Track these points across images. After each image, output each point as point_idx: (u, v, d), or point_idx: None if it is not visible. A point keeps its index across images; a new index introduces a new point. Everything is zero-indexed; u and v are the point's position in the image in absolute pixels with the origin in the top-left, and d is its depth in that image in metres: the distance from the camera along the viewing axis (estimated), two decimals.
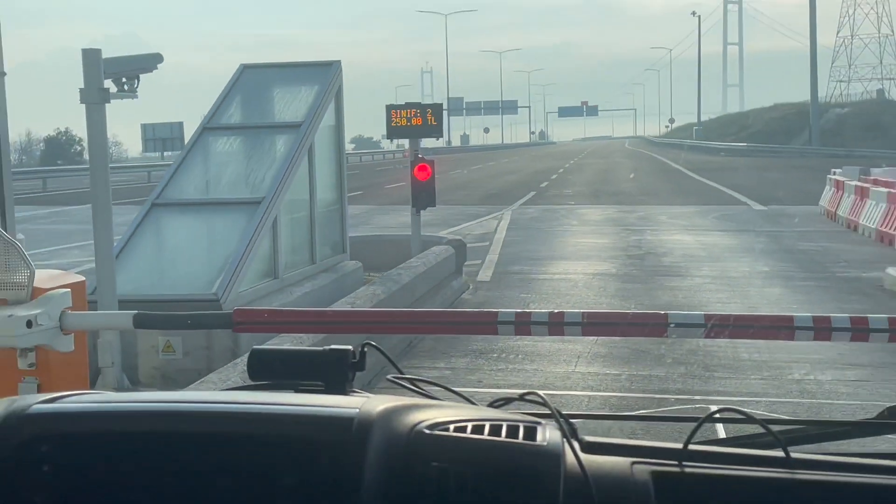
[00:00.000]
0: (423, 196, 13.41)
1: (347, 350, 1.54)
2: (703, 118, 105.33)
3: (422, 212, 13.58)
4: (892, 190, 19.23)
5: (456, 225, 21.54)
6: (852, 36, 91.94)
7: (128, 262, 9.03)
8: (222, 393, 1.40)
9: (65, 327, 3.17)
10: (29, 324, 3.05)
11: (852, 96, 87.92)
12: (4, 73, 6.22)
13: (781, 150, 67.05)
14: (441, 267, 12.42)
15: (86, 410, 1.31)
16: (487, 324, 3.04)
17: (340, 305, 8.88)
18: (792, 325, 2.96)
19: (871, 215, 19.32)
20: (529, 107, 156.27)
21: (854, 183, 22.00)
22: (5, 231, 3.28)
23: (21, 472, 1.21)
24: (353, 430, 1.20)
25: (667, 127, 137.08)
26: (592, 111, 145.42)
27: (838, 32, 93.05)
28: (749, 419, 1.43)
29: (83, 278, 4.43)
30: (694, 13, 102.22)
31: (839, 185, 23.01)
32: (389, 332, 5.46)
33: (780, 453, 1.32)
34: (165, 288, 8.78)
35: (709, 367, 8.64)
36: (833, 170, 26.18)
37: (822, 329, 2.93)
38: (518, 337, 8.88)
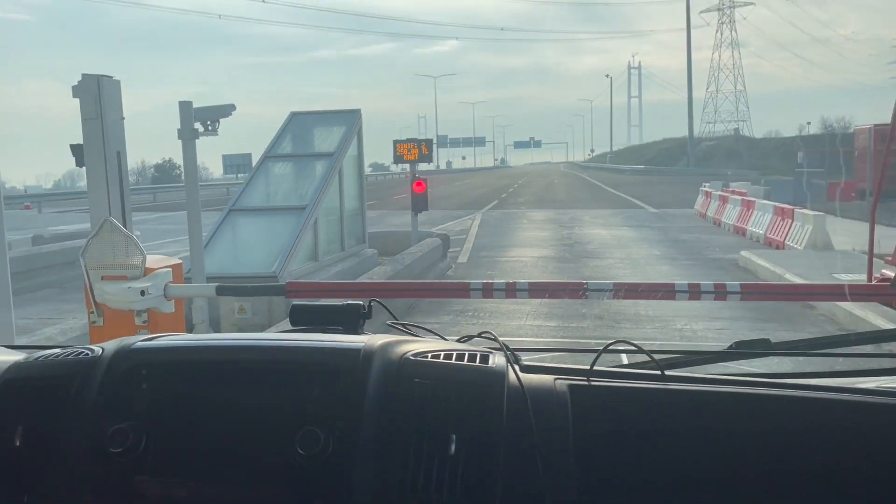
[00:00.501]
0: (419, 203, 13.41)
1: (359, 304, 1.54)
2: (614, 148, 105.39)
3: (418, 214, 13.56)
4: (744, 197, 19.32)
5: (442, 223, 21.47)
6: (717, 91, 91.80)
7: (213, 251, 9.00)
8: (270, 333, 1.41)
9: (168, 295, 3.16)
10: (142, 293, 3.04)
11: (717, 133, 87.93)
12: (123, 118, 6.16)
13: (668, 170, 66.91)
14: (432, 253, 12.41)
15: (173, 345, 1.31)
16: (463, 290, 3.03)
17: (361, 279, 8.87)
18: (673, 290, 2.96)
19: (731, 215, 19.38)
20: (493, 141, 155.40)
21: (719, 192, 22.06)
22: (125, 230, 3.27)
23: (127, 390, 1.22)
24: (359, 357, 1.21)
25: (589, 155, 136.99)
26: (538, 144, 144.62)
27: (707, 88, 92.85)
28: (637, 349, 1.43)
29: (181, 261, 4.40)
30: (607, 76, 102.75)
31: (708, 194, 23.04)
32: (395, 296, 5.44)
33: (658, 372, 1.33)
34: (239, 268, 8.76)
35: (617, 320, 8.67)
36: (704, 183, 26.23)
37: (694, 292, 2.93)
38: (485, 300, 8.89)
